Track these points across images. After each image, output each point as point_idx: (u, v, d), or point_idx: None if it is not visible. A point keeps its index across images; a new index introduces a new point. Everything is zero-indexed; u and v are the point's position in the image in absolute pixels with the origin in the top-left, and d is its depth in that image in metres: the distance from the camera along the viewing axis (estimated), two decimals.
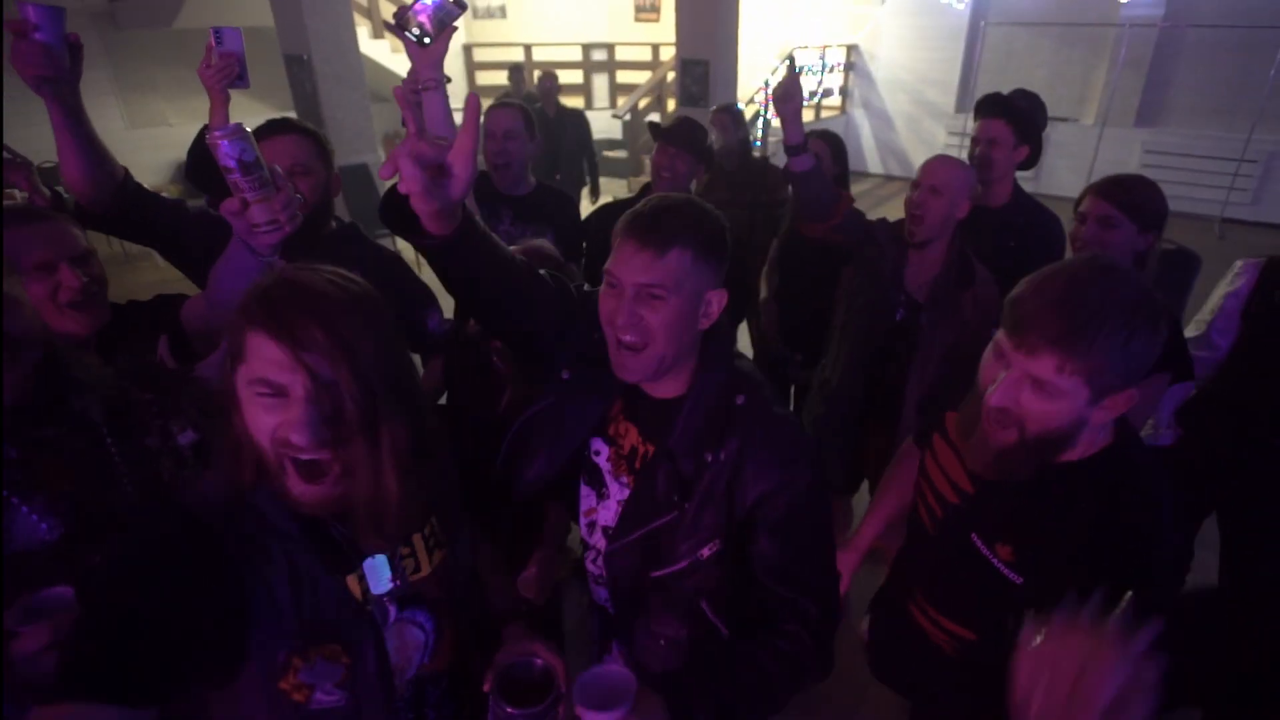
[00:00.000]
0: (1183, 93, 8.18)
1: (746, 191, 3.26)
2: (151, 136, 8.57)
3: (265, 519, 0.82)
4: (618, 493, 1.21)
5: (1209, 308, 1.96)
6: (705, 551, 1.14)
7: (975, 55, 8.89)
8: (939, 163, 1.97)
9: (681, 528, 1.13)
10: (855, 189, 9.52)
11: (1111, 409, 0.99)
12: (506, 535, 1.66)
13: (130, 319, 1.38)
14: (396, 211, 0.98)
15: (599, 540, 1.27)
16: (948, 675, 1.32)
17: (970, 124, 7.38)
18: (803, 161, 1.96)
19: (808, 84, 9.09)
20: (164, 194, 6.53)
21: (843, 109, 10.05)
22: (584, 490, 1.28)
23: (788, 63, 2.18)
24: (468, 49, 9.96)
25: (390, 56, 9.10)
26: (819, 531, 1.15)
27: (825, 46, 9.24)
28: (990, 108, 2.30)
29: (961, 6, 8.74)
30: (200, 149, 2.16)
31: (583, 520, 1.30)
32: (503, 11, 10.71)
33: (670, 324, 1.03)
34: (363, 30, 7.71)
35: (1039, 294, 0.97)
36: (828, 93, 9.62)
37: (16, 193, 2.33)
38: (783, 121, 1.96)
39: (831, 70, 9.49)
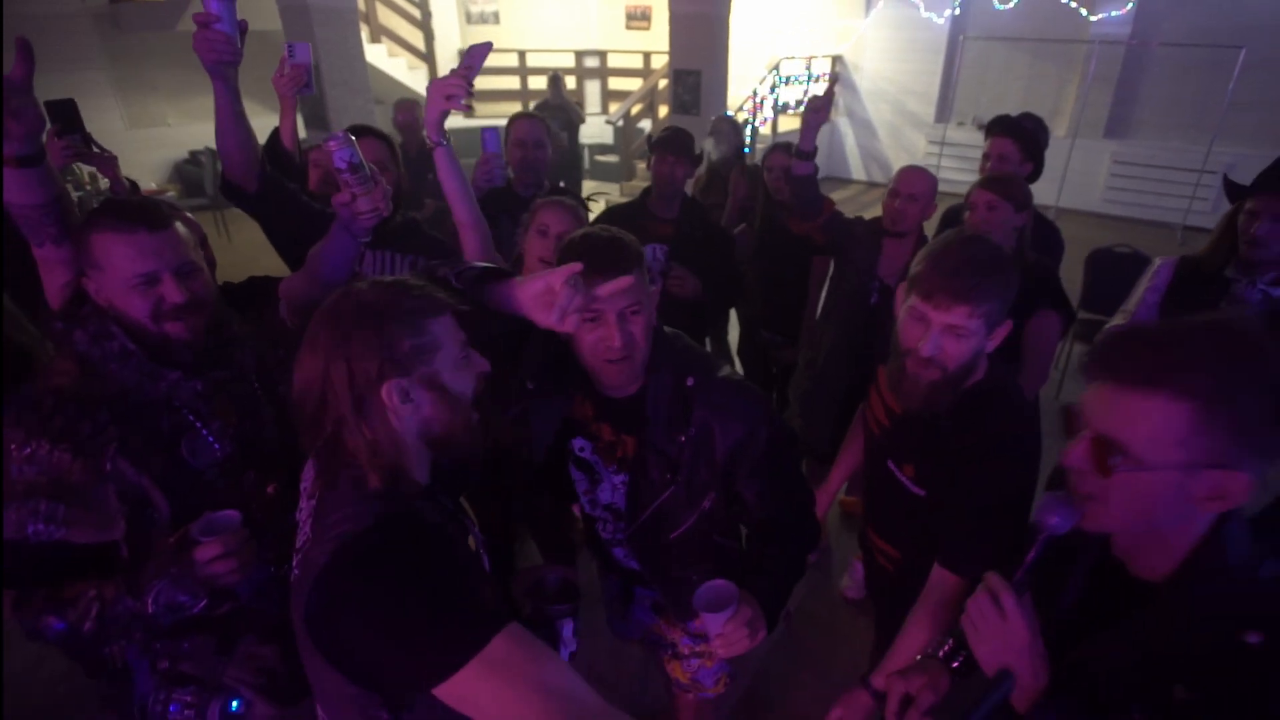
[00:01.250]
0: (1149, 107, 8.59)
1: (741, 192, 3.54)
2: (151, 137, 8.71)
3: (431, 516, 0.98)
4: (611, 477, 1.47)
5: (1133, 299, 2.25)
6: (705, 504, 1.43)
7: (954, 68, 9.25)
8: (913, 174, 2.31)
9: (680, 497, 1.40)
10: (839, 195, 9.88)
11: (997, 338, 1.30)
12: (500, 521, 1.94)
13: (229, 299, 1.62)
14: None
15: (605, 515, 1.55)
16: (890, 589, 1.66)
17: (949, 133, 7.76)
18: (806, 167, 2.34)
19: (793, 93, 9.41)
20: (167, 194, 6.64)
21: (828, 117, 10.37)
22: (576, 475, 1.54)
23: (830, 77, 2.49)
24: (462, 54, 10.16)
25: (387, 61, 9.31)
26: (786, 464, 1.41)
27: (811, 58, 9.56)
28: (1000, 128, 2.62)
29: (941, 21, 9.10)
30: (271, 149, 2.48)
31: (583, 499, 1.57)
32: (496, 17, 10.92)
33: (646, 330, 1.28)
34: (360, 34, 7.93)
35: (938, 268, 1.26)
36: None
37: (101, 182, 2.58)
38: (805, 128, 2.30)
39: (817, 80, 9.81)
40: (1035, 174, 2.63)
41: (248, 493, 1.29)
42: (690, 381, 1.33)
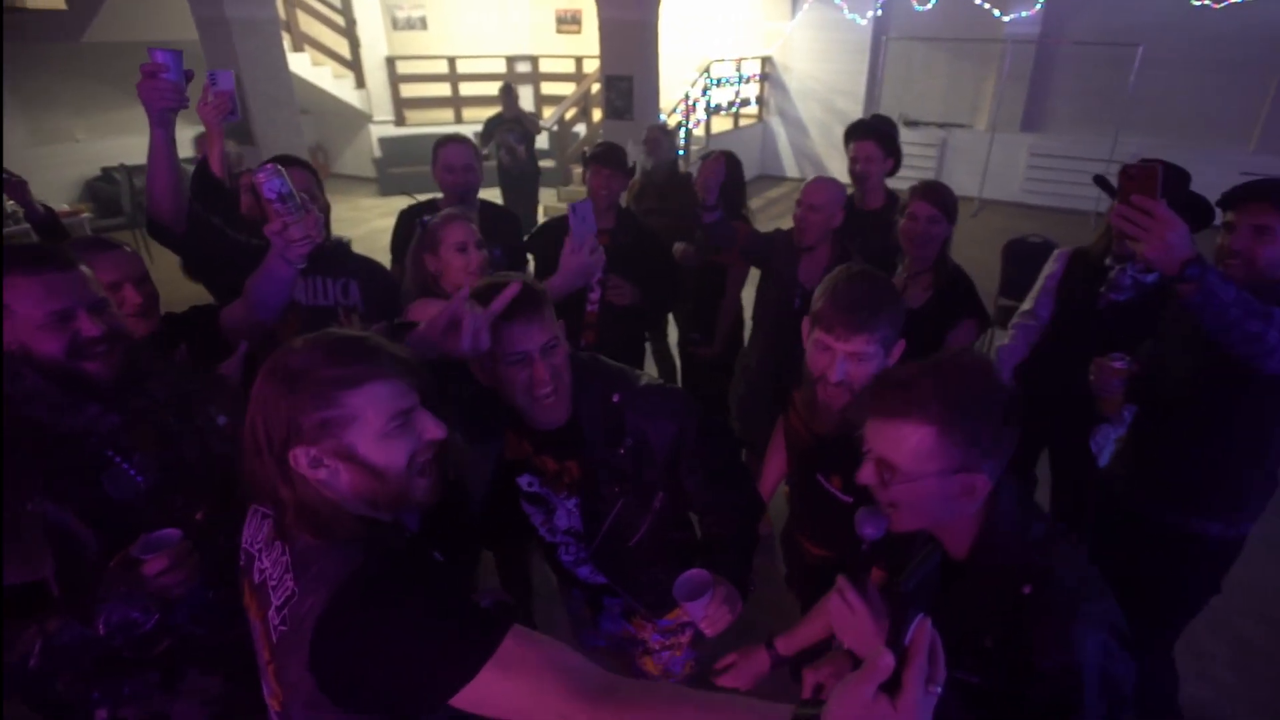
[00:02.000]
0: (1060, 101, 9.04)
1: (674, 200, 3.59)
2: (58, 153, 8.27)
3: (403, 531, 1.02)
4: (564, 503, 1.52)
5: (1037, 286, 2.43)
6: (656, 505, 1.50)
7: (879, 67, 9.55)
8: (816, 184, 2.42)
9: (632, 504, 1.48)
10: (774, 192, 10.07)
11: (894, 356, 1.45)
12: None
13: (173, 327, 1.71)
14: None
15: (566, 539, 1.59)
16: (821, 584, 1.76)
17: None
18: (711, 216, 2.60)
19: (725, 94, 9.54)
20: (81, 215, 6.34)
21: (760, 117, 10.57)
22: (529, 510, 1.58)
23: (715, 154, 2.69)
24: (390, 61, 9.98)
25: (312, 70, 9.06)
26: (720, 449, 1.51)
27: (741, 59, 9.72)
28: (861, 132, 2.85)
29: (864, 22, 9.37)
30: (202, 177, 2.49)
31: (541, 530, 1.61)
32: (423, 23, 10.73)
33: (566, 361, 1.35)
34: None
35: (835, 304, 1.40)
36: (745, 102, 10.10)
37: (9, 205, 2.57)
38: (705, 186, 2.55)
39: (748, 81, 9.97)
40: (896, 167, 2.89)
41: (176, 519, 1.29)
42: (616, 398, 1.41)
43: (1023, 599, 0.98)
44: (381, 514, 0.97)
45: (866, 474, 1.05)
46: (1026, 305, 2.46)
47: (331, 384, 0.89)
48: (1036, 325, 2.41)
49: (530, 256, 2.95)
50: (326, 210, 2.18)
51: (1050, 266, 2.40)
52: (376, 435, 0.91)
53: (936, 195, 2.26)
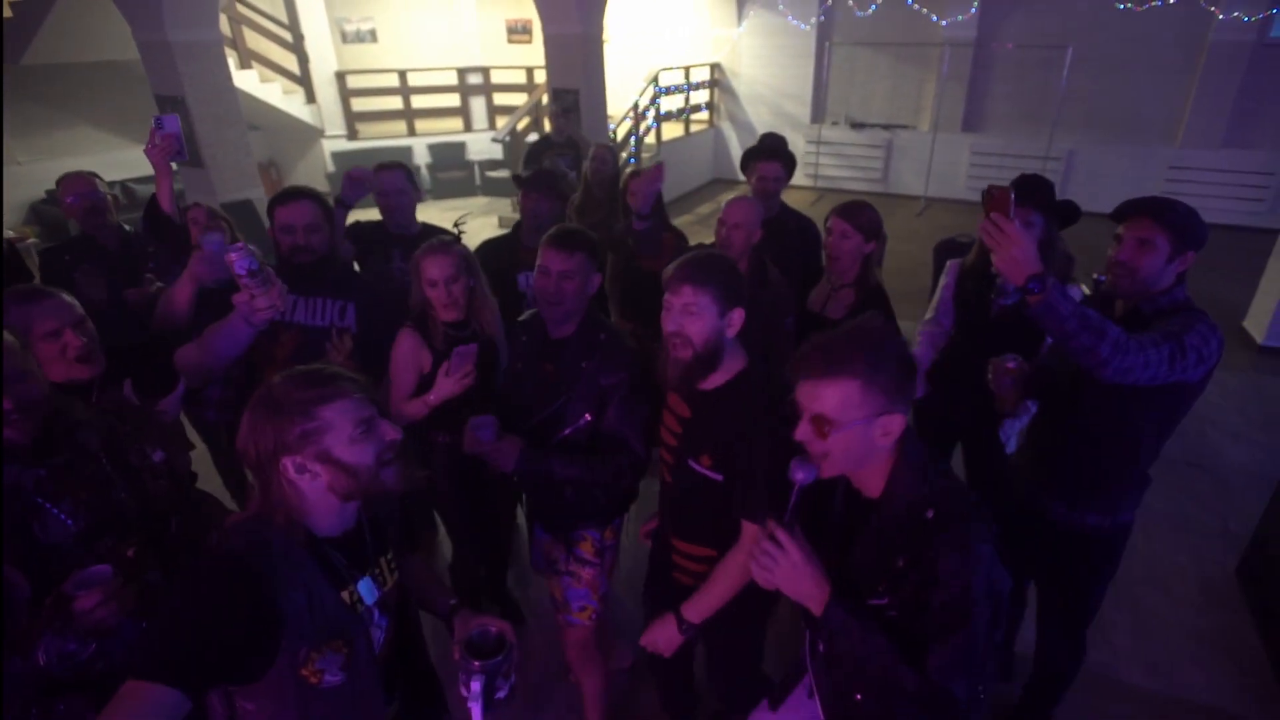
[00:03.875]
0: (998, 102, 9.35)
1: (616, 215, 3.71)
2: None
3: (289, 557, 1.13)
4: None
5: (935, 297, 2.62)
6: (583, 421, 1.90)
7: (824, 71, 9.79)
8: (736, 205, 2.56)
9: (573, 408, 1.89)
10: (726, 195, 10.10)
11: (734, 321, 1.59)
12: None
13: (119, 361, 1.79)
14: None
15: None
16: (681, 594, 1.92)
17: (824, 133, 8.20)
18: (642, 224, 2.75)
19: (674, 101, 9.69)
20: (27, 240, 6.28)
21: (711, 122, 10.74)
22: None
23: (654, 165, 2.82)
24: (340, 76, 9.94)
25: (260, 86, 9.00)
26: (640, 405, 1.90)
27: (689, 66, 9.88)
28: (764, 154, 3.11)
29: (808, 28, 9.60)
30: (152, 213, 2.68)
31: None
32: (373, 35, 10.70)
33: (576, 296, 1.88)
34: (229, 61, 7.62)
35: (679, 264, 1.60)
36: (696, 109, 10.27)
37: None
38: (639, 196, 2.69)
39: (697, 88, 10.14)
40: (789, 176, 3.19)
41: (106, 558, 1.36)
42: (603, 336, 1.92)
43: (926, 521, 1.18)
44: (370, 502, 1.24)
45: (803, 431, 1.22)
46: (929, 314, 2.65)
47: (307, 403, 1.12)
48: (940, 332, 2.60)
49: None
50: (334, 239, 2.43)
51: (944, 278, 2.59)
52: (347, 440, 1.14)
53: (849, 213, 2.43)
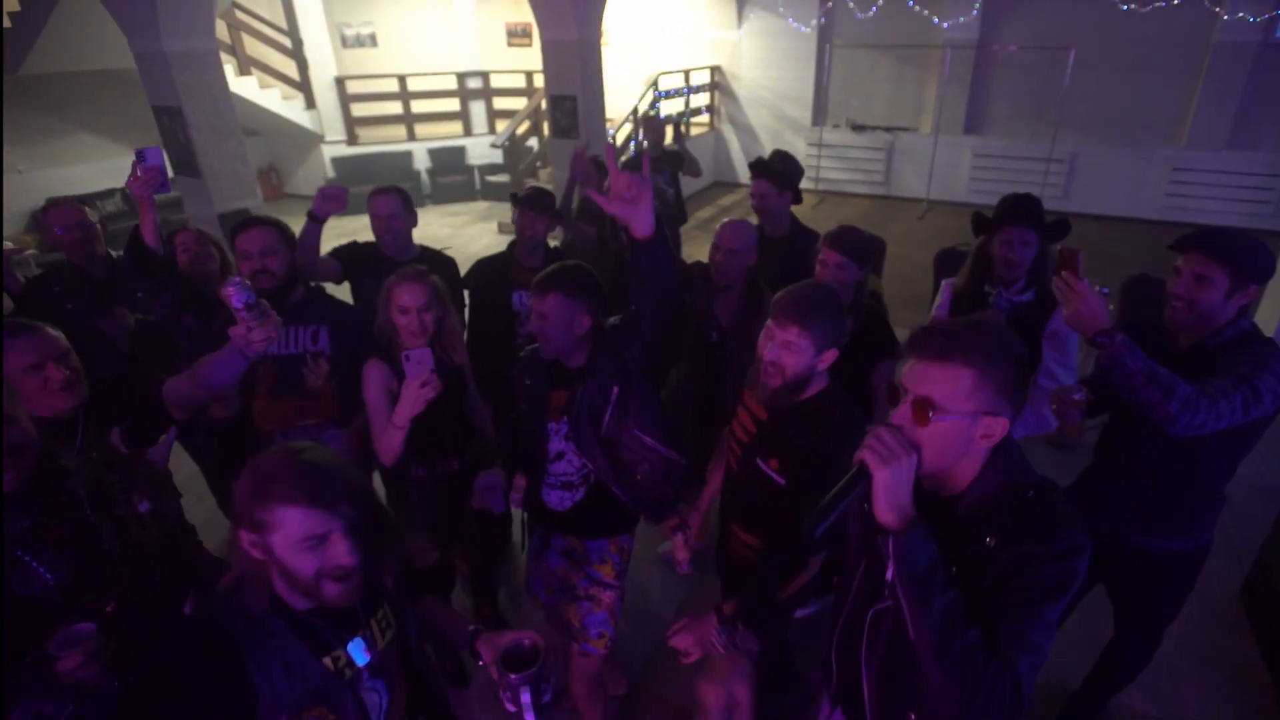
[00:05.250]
0: (999, 104, 9.29)
1: (610, 228, 3.69)
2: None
3: (264, 624, 1.14)
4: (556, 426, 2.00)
5: (931, 316, 2.60)
6: (614, 393, 1.95)
7: (824, 74, 9.74)
8: (731, 229, 2.53)
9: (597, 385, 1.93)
10: (727, 199, 10.21)
11: (826, 360, 1.72)
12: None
13: (103, 399, 1.79)
14: None
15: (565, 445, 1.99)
16: (744, 569, 2.01)
17: (825, 135, 8.19)
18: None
19: (674, 105, 9.65)
20: (26, 251, 6.27)
21: (711, 125, 10.70)
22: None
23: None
24: (340, 81, 9.93)
25: (259, 92, 9.00)
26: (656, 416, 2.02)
27: (689, 70, 9.85)
28: (756, 170, 3.09)
29: (809, 30, 9.55)
30: (135, 245, 2.66)
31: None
32: (373, 39, 10.71)
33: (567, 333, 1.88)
34: (228, 68, 7.61)
35: (785, 298, 1.71)
36: (696, 112, 10.23)
37: None
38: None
39: (698, 91, 10.10)
40: (796, 199, 3.12)
41: (86, 613, 1.32)
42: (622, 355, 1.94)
43: (1028, 500, 1.14)
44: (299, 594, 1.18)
45: (903, 414, 1.16)
46: None
47: (268, 497, 1.10)
48: None
49: (466, 293, 3.03)
50: (295, 261, 2.46)
51: (939, 298, 2.57)
52: (293, 546, 1.11)
53: (843, 243, 2.36)
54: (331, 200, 2.66)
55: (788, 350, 1.68)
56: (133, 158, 2.42)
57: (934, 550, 1.10)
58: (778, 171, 3.06)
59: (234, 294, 1.58)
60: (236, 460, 1.29)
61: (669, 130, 5.32)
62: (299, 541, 1.10)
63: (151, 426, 1.87)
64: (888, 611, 1.22)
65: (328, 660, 1.20)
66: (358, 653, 1.23)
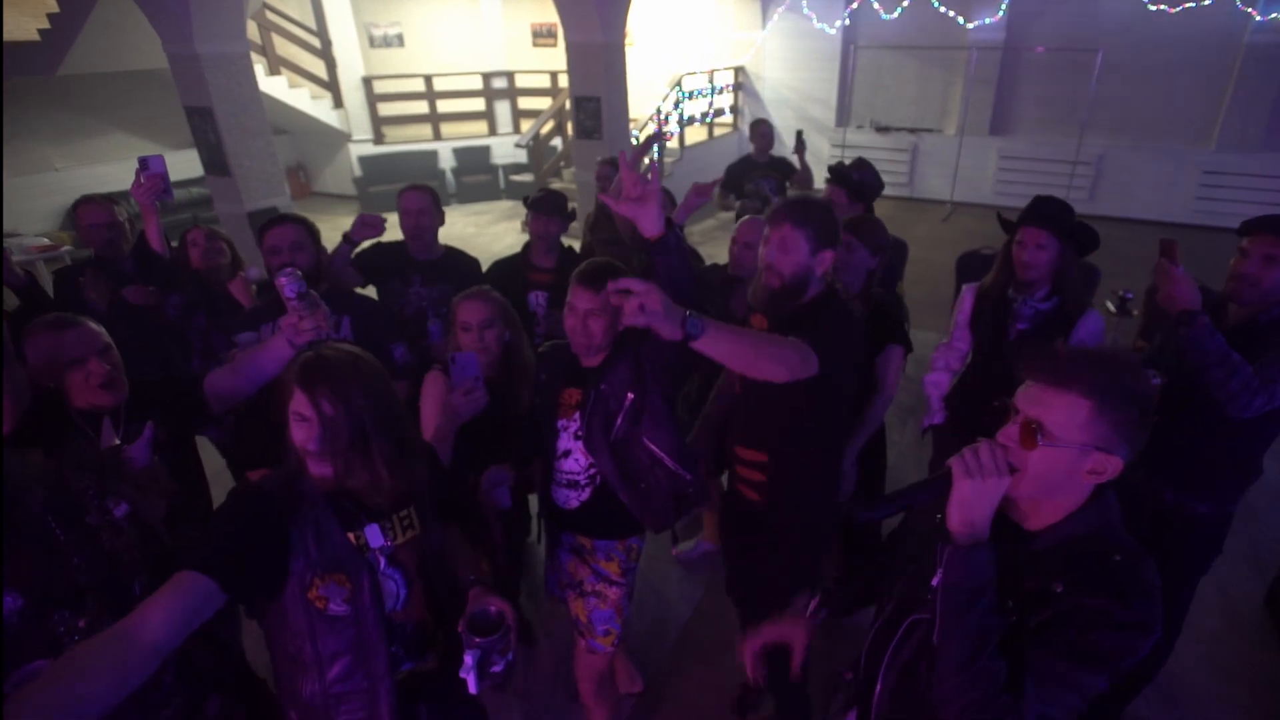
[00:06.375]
0: (1026, 105, 9.18)
1: (628, 229, 3.72)
2: (37, 183, 8.33)
3: (303, 495, 1.35)
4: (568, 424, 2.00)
5: (951, 321, 2.60)
6: (629, 399, 1.94)
7: (849, 75, 9.70)
8: (752, 224, 2.57)
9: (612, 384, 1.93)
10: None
11: (823, 262, 1.81)
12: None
13: (144, 397, 1.84)
14: None
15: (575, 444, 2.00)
16: (748, 517, 2.13)
17: (849, 136, 8.15)
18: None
19: (698, 106, 9.65)
20: (63, 248, 6.44)
21: (734, 126, 10.69)
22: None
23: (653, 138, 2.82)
24: (367, 81, 10.06)
25: (289, 92, 9.16)
26: (671, 431, 2.01)
27: (713, 70, 9.85)
28: (832, 177, 3.14)
29: (834, 31, 9.51)
30: (140, 252, 2.75)
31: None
32: (400, 40, 10.83)
33: (606, 330, 1.88)
34: (258, 67, 7.75)
35: (784, 203, 1.83)
36: (719, 113, 10.23)
37: None
38: (684, 206, 2.78)
39: (721, 92, 10.10)
40: (869, 212, 3.10)
41: (57, 633, 1.28)
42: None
43: (1115, 564, 1.08)
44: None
45: (1009, 433, 1.12)
46: (944, 339, 2.63)
47: (291, 372, 1.34)
48: (956, 356, 2.59)
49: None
50: (321, 261, 2.52)
51: (960, 303, 2.55)
52: (289, 415, 1.32)
53: (856, 226, 2.44)
54: (369, 227, 2.72)
55: (783, 250, 1.79)
56: (172, 153, 2.52)
57: (990, 574, 1.07)
58: (854, 182, 3.06)
59: (286, 283, 1.64)
60: (259, 447, 1.37)
61: (795, 138, 5.11)
62: (292, 413, 1.31)
63: (193, 421, 1.91)
64: (924, 623, 1.19)
65: (351, 535, 1.37)
66: (374, 535, 1.39)
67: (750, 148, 5.30)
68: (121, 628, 1.11)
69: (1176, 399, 2.02)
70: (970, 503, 1.07)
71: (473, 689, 1.34)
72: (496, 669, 1.36)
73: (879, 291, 2.48)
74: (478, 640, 1.32)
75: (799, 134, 5.06)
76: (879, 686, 1.32)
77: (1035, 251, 2.24)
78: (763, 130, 5.05)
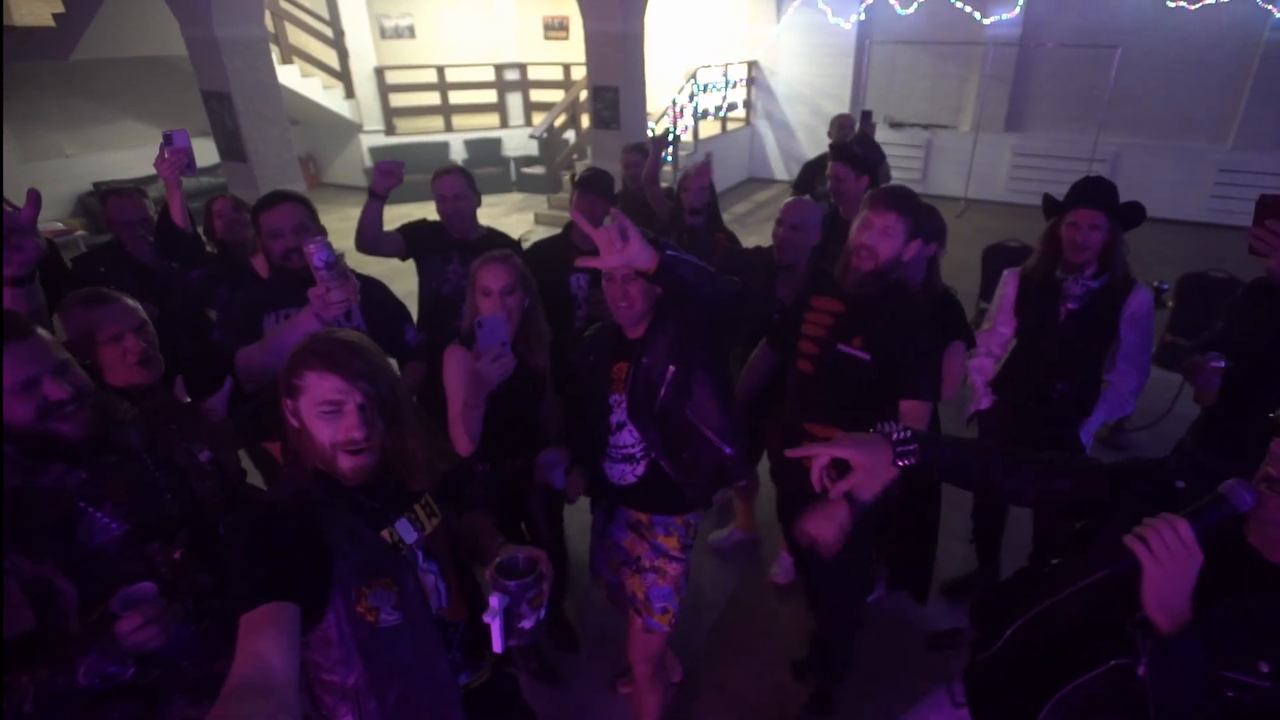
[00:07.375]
0: (1041, 102, 9.15)
1: (655, 215, 3.70)
2: (48, 169, 8.29)
3: (324, 501, 1.21)
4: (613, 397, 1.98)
5: (993, 307, 2.57)
6: (670, 373, 1.91)
7: (863, 70, 9.66)
8: (796, 206, 2.51)
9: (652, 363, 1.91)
10: (762, 195, 10.17)
11: (911, 250, 1.92)
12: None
13: (176, 366, 1.79)
14: None
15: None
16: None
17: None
18: (694, 220, 2.93)
19: (712, 100, 9.62)
20: (76, 233, 6.41)
21: (747, 120, 10.66)
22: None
23: (703, 161, 2.98)
24: (379, 71, 10.02)
25: (301, 81, 9.11)
26: (717, 408, 1.98)
27: (727, 64, 9.81)
28: (835, 154, 3.14)
29: (848, 26, 9.47)
30: (163, 225, 2.73)
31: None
32: (411, 31, 10.79)
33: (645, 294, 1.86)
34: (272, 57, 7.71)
35: (883, 189, 1.94)
36: (732, 106, 10.19)
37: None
38: (690, 197, 2.89)
39: (735, 85, 10.06)
40: (874, 183, 3.03)
41: (153, 563, 1.36)
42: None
43: None
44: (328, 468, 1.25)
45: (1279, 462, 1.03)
46: (986, 325, 2.60)
47: (304, 363, 1.20)
48: (1000, 340, 2.56)
49: None
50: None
51: (1003, 289, 2.53)
52: (316, 410, 1.20)
53: (887, 199, 2.41)
54: (388, 174, 2.67)
55: (884, 235, 1.88)
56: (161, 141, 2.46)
57: (1200, 656, 0.98)
58: (856, 156, 3.07)
59: (315, 251, 1.53)
60: (273, 425, 1.32)
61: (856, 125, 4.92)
62: (318, 406, 1.19)
63: (217, 381, 1.87)
64: (1123, 668, 1.10)
65: (385, 534, 1.28)
66: (405, 530, 1.31)
67: (767, 144, 5.20)
68: (248, 683, 0.96)
69: (1240, 388, 1.97)
70: (1164, 588, 0.99)
71: (497, 646, 1.22)
72: (526, 623, 1.24)
73: (941, 284, 2.43)
74: (509, 584, 1.21)
75: (865, 114, 4.91)
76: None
77: (1089, 232, 2.23)
78: (842, 123, 4.91)
